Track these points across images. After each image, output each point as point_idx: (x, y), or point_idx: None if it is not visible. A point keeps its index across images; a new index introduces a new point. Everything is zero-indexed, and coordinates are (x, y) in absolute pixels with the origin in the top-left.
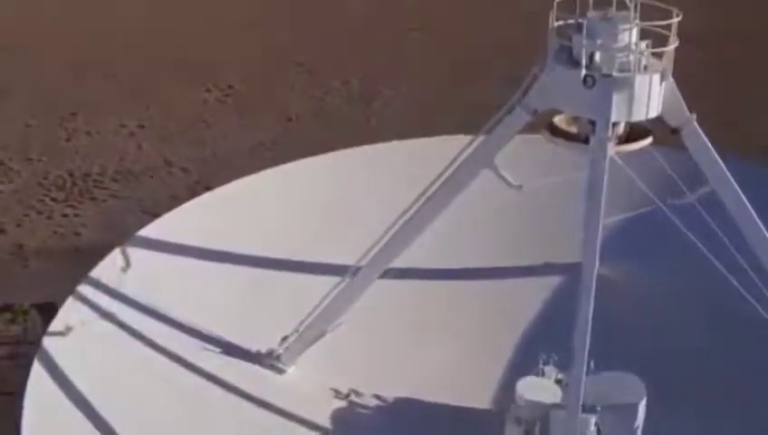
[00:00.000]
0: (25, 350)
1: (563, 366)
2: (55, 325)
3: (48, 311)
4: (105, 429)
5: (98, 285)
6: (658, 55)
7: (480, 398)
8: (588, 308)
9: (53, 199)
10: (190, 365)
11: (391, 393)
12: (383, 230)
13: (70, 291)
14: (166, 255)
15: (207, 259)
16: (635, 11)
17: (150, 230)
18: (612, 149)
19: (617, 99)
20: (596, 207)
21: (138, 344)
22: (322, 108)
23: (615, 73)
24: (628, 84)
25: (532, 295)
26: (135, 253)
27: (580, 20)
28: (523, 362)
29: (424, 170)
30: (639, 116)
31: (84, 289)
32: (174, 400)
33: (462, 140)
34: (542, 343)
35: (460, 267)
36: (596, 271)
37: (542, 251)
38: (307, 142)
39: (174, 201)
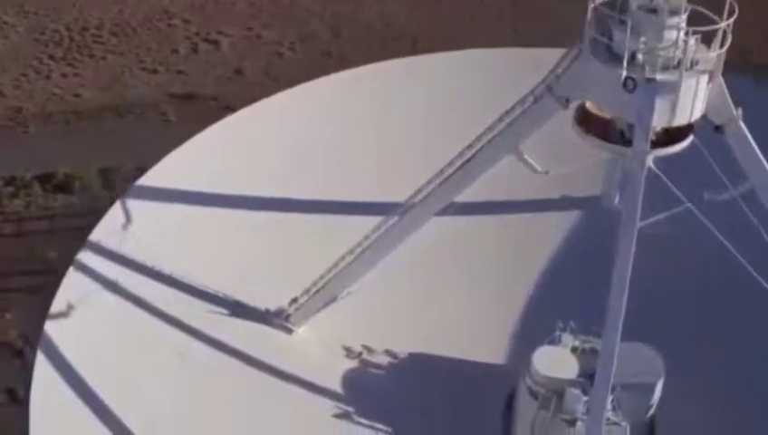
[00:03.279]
0: (29, 227)
1: (579, 332)
2: (57, 305)
3: (49, 181)
4: (115, 419)
5: (98, 249)
6: (706, 42)
7: (493, 352)
8: (615, 337)
9: (51, 57)
10: (196, 332)
11: (404, 349)
12: (402, 170)
13: (70, 157)
14: (167, 205)
15: (212, 206)
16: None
17: (150, 178)
18: (650, 159)
19: (660, 103)
20: (632, 215)
21: (142, 314)
22: None
23: (659, 77)
24: (672, 89)
25: (549, 233)
26: (135, 206)
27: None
28: (537, 316)
29: (443, 89)
30: (683, 120)
31: (84, 256)
32: (180, 369)
33: (491, 54)
34: (556, 290)
35: (474, 201)
36: (628, 282)
37: (559, 184)
38: None
39: (174, 56)
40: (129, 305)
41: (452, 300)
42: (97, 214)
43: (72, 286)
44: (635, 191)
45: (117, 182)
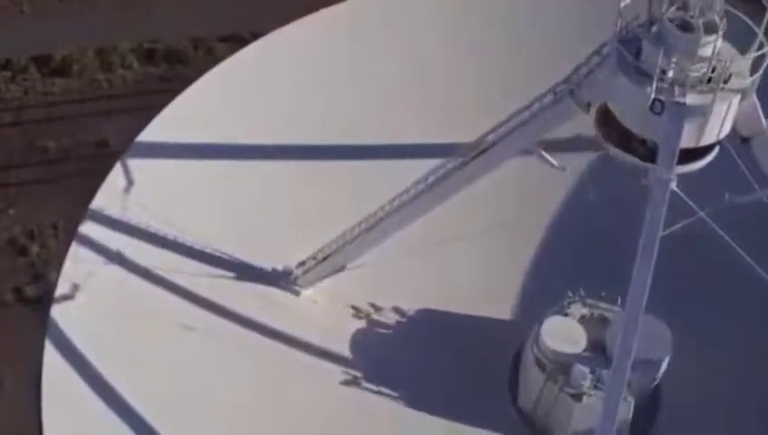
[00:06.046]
0: (28, 116)
1: (588, 300)
2: (62, 287)
3: (47, 64)
4: (125, 406)
5: (100, 218)
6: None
7: (501, 307)
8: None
9: None
10: (202, 298)
11: (411, 306)
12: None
13: (65, 37)
14: (169, 161)
15: (215, 157)
16: (721, 26)
17: (149, 133)
18: (674, 183)
19: (688, 127)
20: (653, 231)
21: (147, 286)
22: None
23: (689, 101)
24: (702, 112)
25: (562, 177)
26: (136, 165)
27: (652, 22)
28: (546, 269)
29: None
30: (710, 139)
31: (87, 228)
32: (187, 337)
33: None
34: (567, 241)
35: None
36: (647, 289)
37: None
38: None
39: None
40: (134, 277)
41: (459, 254)
42: (95, 100)
43: (76, 263)
44: (657, 209)
45: (114, 63)
